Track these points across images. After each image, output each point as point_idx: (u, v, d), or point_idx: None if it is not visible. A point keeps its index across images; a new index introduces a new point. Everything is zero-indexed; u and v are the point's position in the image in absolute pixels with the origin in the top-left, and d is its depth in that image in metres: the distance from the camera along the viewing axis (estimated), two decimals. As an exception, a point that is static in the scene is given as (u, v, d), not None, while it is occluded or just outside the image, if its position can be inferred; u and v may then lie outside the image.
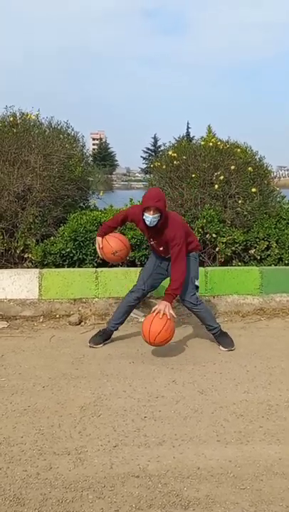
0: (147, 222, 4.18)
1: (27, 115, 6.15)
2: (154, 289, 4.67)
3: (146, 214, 4.15)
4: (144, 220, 4.19)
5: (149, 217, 4.14)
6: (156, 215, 4.14)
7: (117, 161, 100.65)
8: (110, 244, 4.60)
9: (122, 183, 62.93)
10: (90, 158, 6.66)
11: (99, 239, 4.61)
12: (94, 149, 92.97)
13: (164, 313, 4.05)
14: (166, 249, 4.32)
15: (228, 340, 4.49)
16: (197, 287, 4.47)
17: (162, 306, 4.07)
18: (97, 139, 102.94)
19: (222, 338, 4.51)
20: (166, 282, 4.43)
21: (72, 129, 6.40)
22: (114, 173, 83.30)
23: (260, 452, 2.77)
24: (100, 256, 4.79)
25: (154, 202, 4.12)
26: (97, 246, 4.65)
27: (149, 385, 3.65)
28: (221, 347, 4.47)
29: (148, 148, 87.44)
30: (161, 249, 4.38)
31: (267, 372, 3.92)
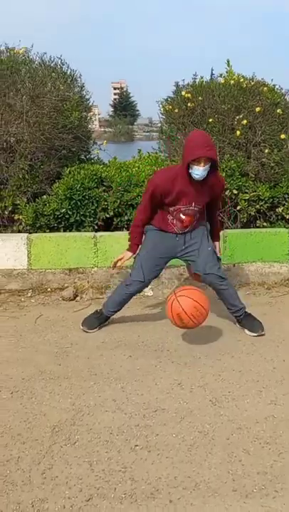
0: (196, 177, 3.26)
1: (13, 50, 5.17)
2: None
3: (195, 167, 3.22)
4: (190, 175, 3.27)
5: (200, 170, 3.22)
6: (207, 166, 3.24)
7: (138, 111, 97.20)
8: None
9: (144, 133, 61.05)
10: (92, 102, 5.63)
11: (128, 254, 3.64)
12: (115, 99, 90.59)
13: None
14: (198, 213, 3.53)
15: (256, 322, 3.63)
16: (219, 259, 3.64)
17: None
18: (118, 88, 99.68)
19: (248, 321, 3.65)
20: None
21: (68, 67, 5.38)
22: (135, 123, 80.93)
23: (296, 512, 1.93)
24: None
25: (205, 151, 3.19)
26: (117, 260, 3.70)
27: (147, 390, 2.83)
28: (247, 331, 3.62)
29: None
30: (189, 214, 3.48)
31: (300, 371, 3.07)
